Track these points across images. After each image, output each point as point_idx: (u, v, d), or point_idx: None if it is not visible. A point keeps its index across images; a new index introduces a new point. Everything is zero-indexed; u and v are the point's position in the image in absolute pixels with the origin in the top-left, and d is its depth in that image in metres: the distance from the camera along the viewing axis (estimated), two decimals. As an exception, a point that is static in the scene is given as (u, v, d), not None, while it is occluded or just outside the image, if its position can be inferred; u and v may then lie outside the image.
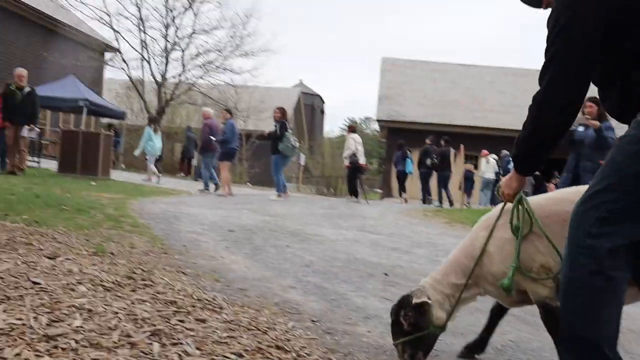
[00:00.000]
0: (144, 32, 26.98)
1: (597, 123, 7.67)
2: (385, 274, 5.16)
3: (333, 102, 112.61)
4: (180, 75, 27.28)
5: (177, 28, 27.34)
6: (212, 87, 27.80)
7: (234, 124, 14.21)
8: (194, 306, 2.92)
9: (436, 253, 6.75)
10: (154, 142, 16.71)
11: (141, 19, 26.79)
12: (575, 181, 7.94)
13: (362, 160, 15.20)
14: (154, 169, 17.09)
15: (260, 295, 3.87)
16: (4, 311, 2.29)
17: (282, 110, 13.51)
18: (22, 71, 12.55)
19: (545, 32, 2.19)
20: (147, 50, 27.18)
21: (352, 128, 16.32)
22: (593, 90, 2.27)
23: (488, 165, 19.53)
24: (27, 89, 12.42)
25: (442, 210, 14.08)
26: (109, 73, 29.80)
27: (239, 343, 2.45)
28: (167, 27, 27.04)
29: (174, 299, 2.98)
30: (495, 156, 19.70)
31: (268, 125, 35.47)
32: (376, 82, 32.83)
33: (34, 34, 24.05)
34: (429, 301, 2.66)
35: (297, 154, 13.46)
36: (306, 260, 5.46)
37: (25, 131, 12.37)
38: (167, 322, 2.51)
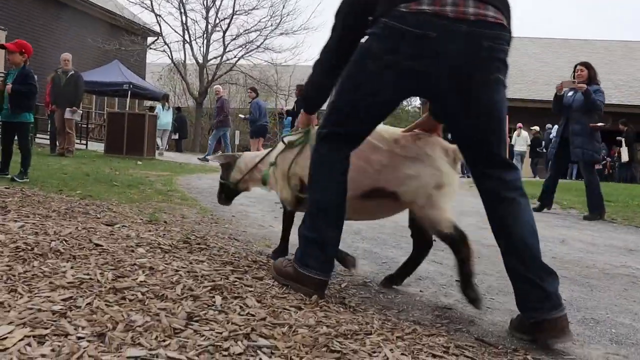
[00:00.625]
0: (185, 15, 27.20)
1: (583, 86, 7.74)
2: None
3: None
4: (221, 56, 27.41)
5: (218, 9, 27.49)
6: (252, 67, 27.90)
7: (259, 102, 14.54)
8: (250, 266, 2.98)
9: (484, 221, 6.67)
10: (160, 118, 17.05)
11: (182, 2, 27.01)
12: (564, 144, 8.12)
13: None
14: (158, 143, 17.40)
15: (312, 259, 3.92)
16: (72, 267, 2.38)
17: (300, 88, 13.64)
18: (66, 55, 12.83)
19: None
20: (188, 33, 27.41)
21: None
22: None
23: (519, 139, 19.61)
24: (71, 73, 12.68)
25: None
26: (151, 56, 30.16)
27: (296, 298, 2.49)
28: (207, 9, 27.18)
29: (230, 260, 3.04)
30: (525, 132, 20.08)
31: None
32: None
33: (78, 22, 24.45)
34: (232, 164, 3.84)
35: None
36: (354, 228, 5.49)
37: (68, 113, 12.64)
38: (226, 279, 2.57)
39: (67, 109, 12.67)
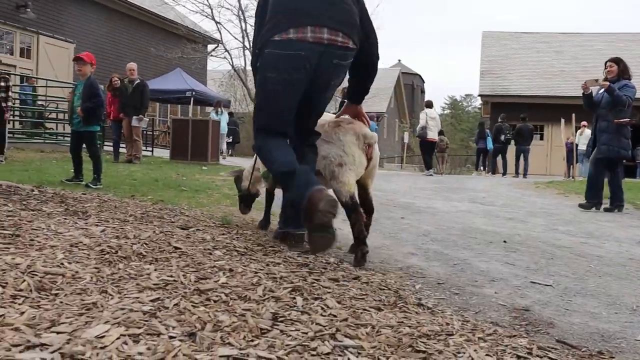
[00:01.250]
0: (245, 22, 27.50)
1: (605, 83, 7.82)
2: (504, 241, 5.10)
3: (433, 81, 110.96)
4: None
5: (276, 15, 27.66)
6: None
7: None
8: (324, 268, 3.00)
9: (554, 222, 6.58)
10: None
11: (241, 8, 27.32)
12: (595, 142, 8.17)
13: (430, 134, 15.25)
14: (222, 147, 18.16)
15: (383, 261, 3.93)
16: (155, 270, 2.44)
17: (343, 90, 13.71)
18: (131, 65, 13.21)
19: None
20: (248, 39, 27.68)
21: (427, 103, 16.34)
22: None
23: (581, 137, 19.12)
24: (136, 81, 13.03)
25: (554, 183, 13.67)
26: (212, 63, 30.63)
27: (374, 299, 2.50)
28: (267, 15, 27.41)
29: (305, 262, 3.07)
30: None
31: (369, 107, 35.46)
32: (477, 57, 32.14)
33: (140, 32, 25.09)
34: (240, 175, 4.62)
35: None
36: (423, 230, 5.47)
37: (134, 121, 12.98)
38: (304, 280, 2.60)
39: (134, 117, 13.02)
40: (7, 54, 19.63)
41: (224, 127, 18.46)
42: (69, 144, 16.31)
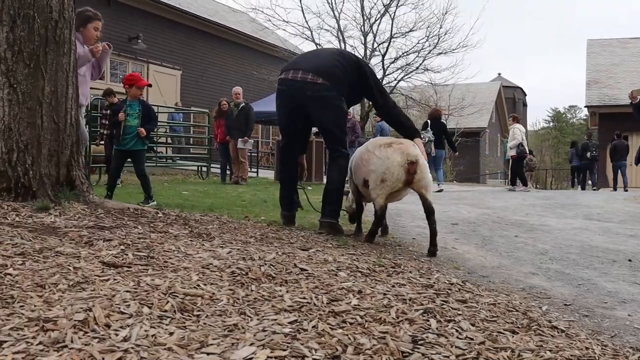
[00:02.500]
0: (344, 42, 27.72)
1: (636, 97, 8.12)
2: (629, 260, 4.88)
3: (534, 93, 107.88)
4: (381, 79, 27.69)
5: (375, 34, 27.77)
6: (412, 89, 27.92)
7: (382, 125, 15.00)
8: (450, 289, 2.97)
9: None
10: None
11: (340, 29, 27.58)
12: None
13: (527, 149, 15.38)
14: None
15: (504, 281, 3.85)
16: (287, 292, 2.49)
17: (430, 112, 15.03)
18: (237, 89, 13.61)
19: None
20: (347, 59, 27.91)
21: (515, 118, 16.17)
22: None
23: None
24: (241, 104, 13.40)
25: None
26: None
27: (506, 322, 2.45)
28: (365, 34, 27.56)
29: (429, 283, 3.05)
30: None
31: (470, 122, 35.02)
32: (582, 67, 31.11)
33: (243, 56, 25.85)
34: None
35: (429, 148, 13.83)
36: (539, 248, 5.32)
37: (240, 143, 13.33)
38: (433, 302, 2.58)
39: (239, 139, 13.38)
40: (121, 82, 20.66)
41: None
42: (179, 167, 17.02)
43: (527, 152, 15.27)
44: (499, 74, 51.79)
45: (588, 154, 20.58)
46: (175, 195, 8.95)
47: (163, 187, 11.33)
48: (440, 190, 14.58)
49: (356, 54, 30.68)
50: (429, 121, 14.23)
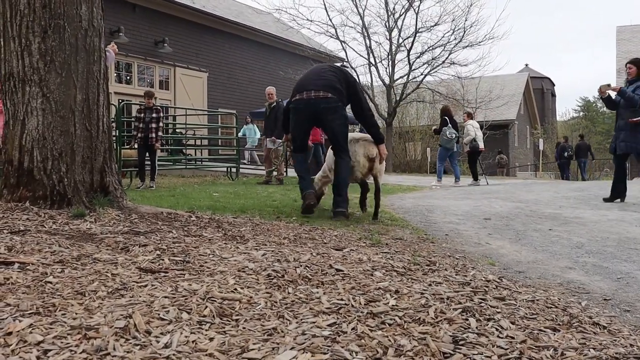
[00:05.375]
0: (369, 39, 27.65)
1: (617, 87, 8.62)
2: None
3: (563, 83, 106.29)
4: (407, 75, 27.55)
5: (400, 29, 27.65)
6: (438, 83, 27.74)
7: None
8: (487, 286, 2.94)
9: None
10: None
11: (364, 26, 27.50)
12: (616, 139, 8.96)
13: (481, 145, 15.51)
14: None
15: (540, 276, 3.80)
16: (324, 293, 2.49)
17: (443, 109, 15.22)
18: (269, 89, 13.62)
19: None
20: (373, 55, 27.81)
21: (469, 115, 16.38)
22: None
23: None
24: (273, 104, 13.41)
25: None
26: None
27: (546, 319, 2.42)
28: (390, 30, 27.45)
29: (465, 281, 3.02)
30: None
31: (498, 115, 34.69)
32: (612, 55, 30.71)
33: (269, 56, 25.92)
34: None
35: (453, 144, 14.51)
36: (575, 242, 5.24)
37: (268, 143, 13.34)
38: (471, 300, 2.55)
39: (267, 139, 13.41)
40: (148, 86, 20.85)
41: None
42: (207, 169, 17.12)
43: (481, 147, 15.52)
44: (527, 64, 51.26)
45: (565, 154, 25.55)
46: (206, 197, 8.99)
47: (194, 189, 11.40)
48: (476, 184, 14.67)
49: (381, 50, 30.58)
50: (446, 118, 14.49)
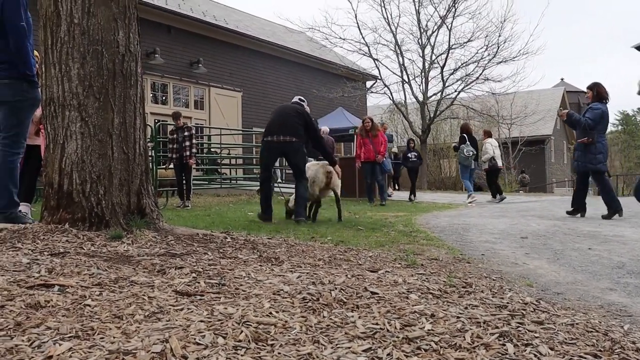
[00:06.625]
0: (402, 56, 27.70)
1: (563, 114, 9.83)
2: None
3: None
4: (441, 91, 27.48)
5: (433, 46, 27.64)
6: (472, 99, 27.61)
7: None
8: (524, 309, 2.90)
9: None
10: None
11: (397, 44, 27.56)
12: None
13: (500, 163, 15.94)
14: None
15: (580, 298, 3.73)
16: (359, 317, 2.48)
17: (462, 126, 15.86)
18: (302, 108, 13.71)
19: None
20: (406, 73, 27.85)
21: (487, 133, 16.70)
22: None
23: None
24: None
25: None
26: (372, 99, 31.12)
27: (587, 344, 2.37)
28: (423, 47, 27.47)
29: (502, 304, 2.99)
30: None
31: (534, 130, 34.35)
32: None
33: (302, 75, 26.09)
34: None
35: (471, 162, 14.90)
36: (615, 261, 5.14)
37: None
38: (508, 324, 2.52)
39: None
40: (184, 106, 21.13)
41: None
42: (242, 188, 17.24)
43: (500, 165, 15.98)
44: (562, 79, 50.74)
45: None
46: (241, 217, 9.06)
47: (229, 209, 11.50)
48: (502, 198, 14.72)
49: (415, 67, 30.60)
50: (465, 135, 15.01)
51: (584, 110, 9.60)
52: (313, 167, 8.36)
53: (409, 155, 16.48)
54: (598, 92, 9.57)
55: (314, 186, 8.16)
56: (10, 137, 5.23)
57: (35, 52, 5.30)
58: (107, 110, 4.39)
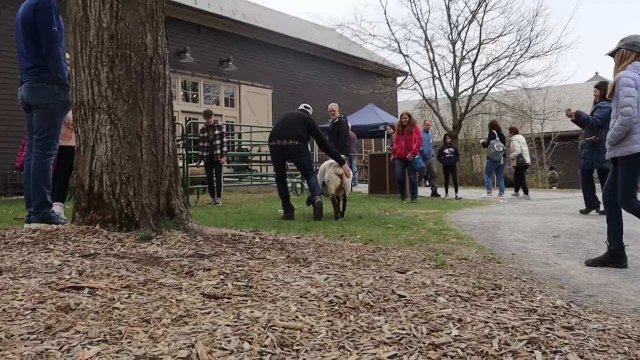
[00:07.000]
0: (432, 52, 27.50)
1: (572, 114, 9.64)
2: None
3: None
4: (472, 87, 27.24)
5: (464, 42, 27.40)
6: (504, 94, 27.31)
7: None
8: (554, 313, 2.85)
9: None
10: None
11: (427, 39, 27.38)
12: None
13: (528, 159, 15.87)
14: None
15: (613, 301, 3.66)
16: (386, 322, 2.47)
17: (491, 123, 16.00)
18: (331, 106, 13.69)
19: None
20: (437, 68, 27.64)
21: (513, 130, 16.57)
22: None
23: None
24: (336, 120, 13.46)
25: None
26: (402, 95, 30.95)
27: (618, 352, 2.33)
28: (453, 42, 27.24)
29: (532, 307, 2.95)
30: None
31: (567, 125, 33.80)
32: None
33: (332, 72, 26.05)
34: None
35: (500, 157, 15.09)
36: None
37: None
38: (537, 329, 2.48)
39: (332, 155, 13.44)
40: (214, 104, 21.26)
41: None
42: (273, 185, 17.29)
43: (528, 161, 15.92)
44: (596, 73, 49.81)
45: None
46: (271, 214, 9.09)
47: (259, 206, 11.54)
48: (527, 197, 14.71)
49: (445, 62, 30.28)
50: (494, 132, 15.19)
51: (593, 109, 9.59)
52: (325, 168, 8.93)
53: (445, 151, 16.06)
54: (606, 91, 9.47)
55: (330, 185, 8.64)
56: (43, 140, 5.31)
57: (67, 55, 5.37)
58: (136, 113, 4.43)
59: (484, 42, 26.92)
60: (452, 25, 27.21)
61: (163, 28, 4.67)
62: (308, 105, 9.56)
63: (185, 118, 18.99)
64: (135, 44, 4.45)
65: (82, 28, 4.47)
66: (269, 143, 8.98)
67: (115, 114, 4.38)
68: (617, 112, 4.97)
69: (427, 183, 17.58)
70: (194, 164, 13.11)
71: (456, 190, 15.20)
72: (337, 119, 13.48)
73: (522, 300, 3.14)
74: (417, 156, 13.20)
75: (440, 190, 15.60)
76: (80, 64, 4.48)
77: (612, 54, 5.18)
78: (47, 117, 5.33)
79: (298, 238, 5.35)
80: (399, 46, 27.50)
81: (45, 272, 3.21)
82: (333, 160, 8.80)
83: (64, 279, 3.10)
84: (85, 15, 4.45)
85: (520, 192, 15.77)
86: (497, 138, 15.01)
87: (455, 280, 3.58)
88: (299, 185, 16.08)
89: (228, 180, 16.03)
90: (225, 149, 12.44)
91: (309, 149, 9.04)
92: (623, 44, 5.08)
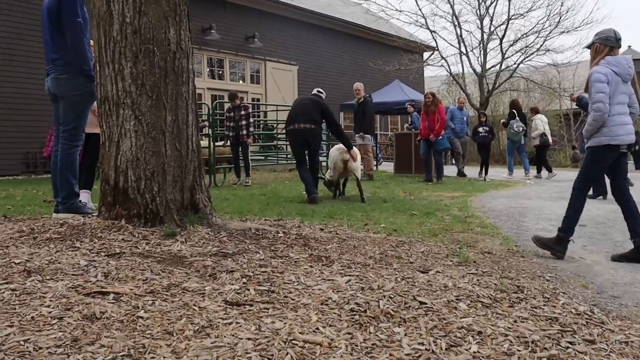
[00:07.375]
0: (460, 27, 27.17)
1: (575, 97, 10.02)
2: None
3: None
4: (500, 63, 26.88)
5: (492, 17, 26.99)
6: (533, 71, 26.90)
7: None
8: (576, 322, 2.84)
9: None
10: None
11: (455, 15, 27.02)
12: None
13: (550, 138, 15.72)
14: None
15: (638, 303, 3.62)
16: (405, 335, 2.48)
17: (512, 102, 16.15)
18: (356, 85, 13.63)
19: None
20: (464, 44, 27.33)
21: (534, 110, 16.34)
22: None
23: None
24: (361, 100, 13.41)
25: None
26: (428, 71, 30.66)
27: (639, 368, 2.32)
28: (481, 18, 26.86)
29: (554, 315, 2.93)
30: None
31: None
32: None
33: (358, 48, 25.86)
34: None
35: (520, 137, 15.04)
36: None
37: (358, 139, 13.33)
38: (558, 344, 2.48)
39: (357, 135, 13.42)
40: (240, 81, 21.27)
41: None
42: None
43: (550, 141, 15.73)
44: (629, 46, 48.76)
45: None
46: (296, 197, 9.12)
47: (284, 187, 11.58)
48: (552, 175, 14.68)
49: (473, 38, 29.79)
50: (514, 111, 15.13)
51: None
52: (333, 153, 9.16)
53: (480, 129, 15.67)
54: None
55: (334, 171, 9.07)
56: (69, 131, 5.38)
57: (92, 42, 5.40)
58: (160, 108, 4.45)
59: (513, 17, 26.57)
60: (480, 1, 26.81)
61: (186, 22, 4.66)
62: (321, 90, 9.88)
63: (212, 96, 19.03)
64: (159, 38, 4.45)
65: (105, 23, 4.48)
66: (286, 128, 9.26)
67: (140, 110, 4.41)
68: (590, 107, 5.12)
69: (454, 161, 17.44)
70: (220, 143, 13.16)
71: (486, 172, 15.08)
72: (362, 99, 13.43)
73: (544, 305, 3.13)
74: (440, 137, 13.03)
75: (469, 170, 15.49)
76: (104, 59, 4.50)
77: (589, 47, 5.27)
78: (72, 108, 5.39)
79: (322, 230, 5.36)
80: (425, 22, 27.27)
81: (72, 274, 3.27)
82: (341, 145, 9.00)
83: (90, 281, 3.15)
84: (109, 10, 4.46)
85: (544, 172, 15.66)
86: (517, 118, 14.96)
87: (478, 281, 3.57)
88: (324, 164, 16.11)
89: (254, 158, 16.08)
90: (251, 129, 12.47)
91: (321, 134, 9.52)
92: (597, 38, 5.18)
